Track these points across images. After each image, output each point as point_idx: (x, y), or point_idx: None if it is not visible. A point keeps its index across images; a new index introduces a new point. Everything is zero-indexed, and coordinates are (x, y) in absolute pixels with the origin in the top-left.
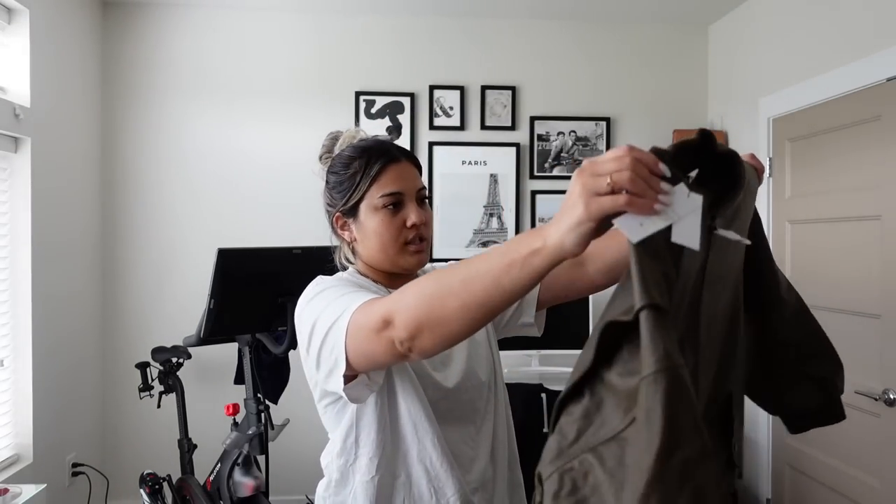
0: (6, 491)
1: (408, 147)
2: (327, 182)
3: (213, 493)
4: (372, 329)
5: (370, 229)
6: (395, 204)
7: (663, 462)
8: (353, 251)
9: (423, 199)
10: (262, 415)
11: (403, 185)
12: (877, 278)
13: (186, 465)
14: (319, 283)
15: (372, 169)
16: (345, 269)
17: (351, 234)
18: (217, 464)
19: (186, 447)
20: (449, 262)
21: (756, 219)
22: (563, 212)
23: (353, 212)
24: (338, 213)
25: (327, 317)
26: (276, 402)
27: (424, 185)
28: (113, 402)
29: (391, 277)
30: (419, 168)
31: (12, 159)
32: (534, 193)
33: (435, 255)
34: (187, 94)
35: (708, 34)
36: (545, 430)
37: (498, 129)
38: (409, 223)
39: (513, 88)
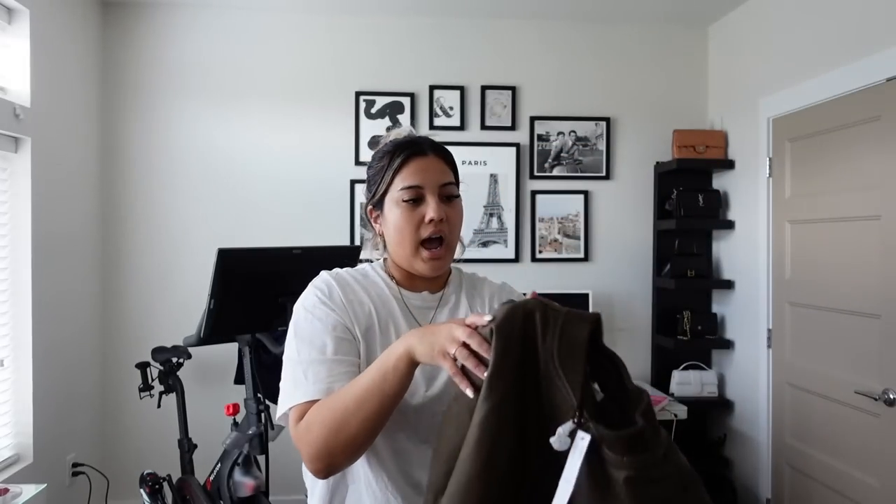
0: (6, 491)
1: None
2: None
3: (214, 493)
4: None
5: (391, 222)
6: (416, 198)
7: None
8: (385, 245)
9: (450, 196)
10: (262, 415)
11: (424, 179)
12: (877, 278)
13: (186, 464)
14: (296, 313)
15: (395, 161)
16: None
17: (379, 227)
18: (217, 464)
19: (186, 447)
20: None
21: None
22: (433, 336)
23: (380, 204)
24: (370, 206)
25: (286, 376)
26: (276, 402)
27: (453, 181)
28: (113, 402)
29: (411, 278)
30: (451, 165)
31: (12, 159)
32: (534, 193)
33: None
34: (187, 94)
35: (708, 34)
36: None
37: (498, 129)
38: (426, 218)
39: (513, 88)
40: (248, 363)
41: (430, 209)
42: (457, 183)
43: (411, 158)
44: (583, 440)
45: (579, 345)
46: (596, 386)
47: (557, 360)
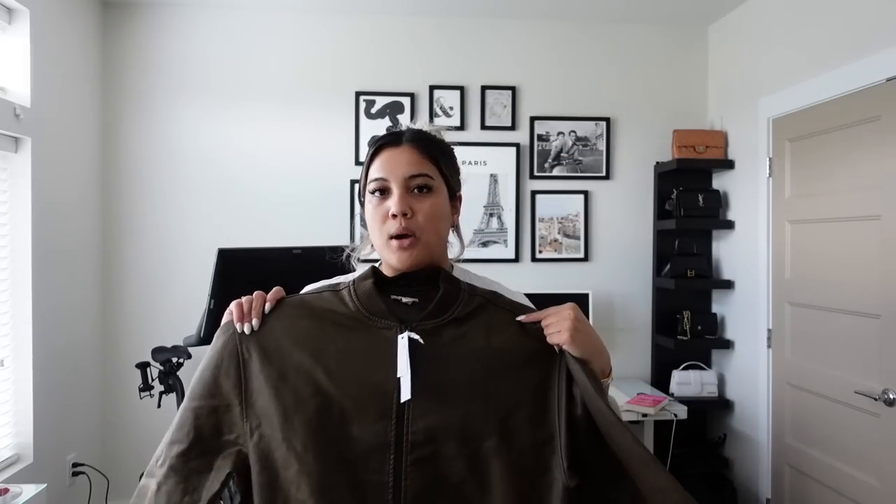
0: (6, 491)
1: None
2: None
3: None
4: None
5: (366, 217)
6: (381, 190)
7: None
8: None
9: (422, 187)
10: None
11: (388, 171)
12: (877, 278)
13: None
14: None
15: (369, 154)
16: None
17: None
18: None
19: None
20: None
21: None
22: None
23: (363, 200)
24: (361, 201)
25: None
26: None
27: (427, 173)
28: (113, 402)
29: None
30: (432, 156)
31: (12, 159)
32: (534, 193)
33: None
34: (187, 94)
35: (708, 34)
36: None
37: (498, 129)
38: (390, 213)
39: (513, 88)
40: None
41: (392, 202)
42: (445, 175)
43: (382, 149)
44: (402, 338)
45: (371, 291)
46: (404, 298)
47: (365, 310)
